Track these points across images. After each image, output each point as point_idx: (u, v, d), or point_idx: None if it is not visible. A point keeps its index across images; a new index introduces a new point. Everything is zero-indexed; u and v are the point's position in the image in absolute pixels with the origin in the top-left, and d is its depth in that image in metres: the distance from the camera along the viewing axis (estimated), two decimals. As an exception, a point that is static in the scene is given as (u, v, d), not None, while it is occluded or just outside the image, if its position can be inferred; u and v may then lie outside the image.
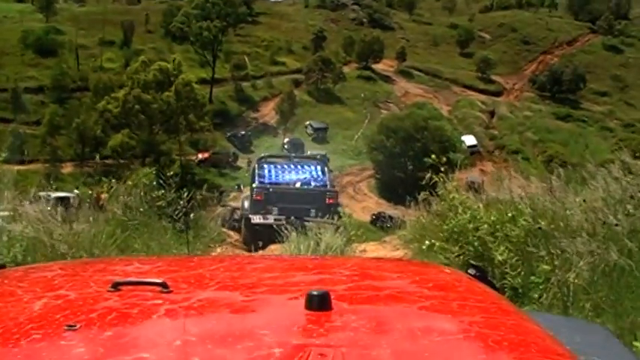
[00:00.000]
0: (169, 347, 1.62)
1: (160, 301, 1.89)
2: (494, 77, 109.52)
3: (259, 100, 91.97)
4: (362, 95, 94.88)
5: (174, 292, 1.96)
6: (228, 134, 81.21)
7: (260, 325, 1.73)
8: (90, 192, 48.19)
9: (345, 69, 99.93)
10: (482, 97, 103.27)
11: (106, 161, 69.90)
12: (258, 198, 18.76)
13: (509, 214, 7.77)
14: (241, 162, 75.90)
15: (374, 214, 66.01)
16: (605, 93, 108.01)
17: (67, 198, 41.81)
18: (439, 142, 73.31)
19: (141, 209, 12.48)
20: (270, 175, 19.97)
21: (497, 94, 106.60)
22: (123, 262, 2.93)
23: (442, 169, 9.80)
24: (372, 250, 15.99)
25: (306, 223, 14.24)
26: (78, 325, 1.71)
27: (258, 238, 15.67)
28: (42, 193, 39.99)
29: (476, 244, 7.46)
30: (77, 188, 53.31)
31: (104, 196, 45.05)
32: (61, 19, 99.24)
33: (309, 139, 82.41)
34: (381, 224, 63.97)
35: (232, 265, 2.61)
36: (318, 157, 65.02)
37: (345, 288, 2.10)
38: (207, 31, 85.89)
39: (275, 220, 16.45)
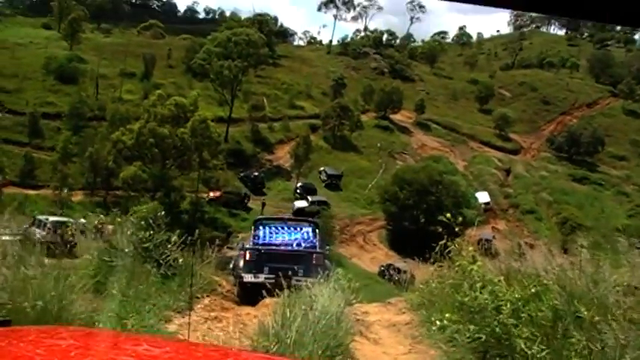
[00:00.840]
0: None
1: None
2: (512, 135, 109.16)
3: (275, 142, 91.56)
4: (378, 145, 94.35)
5: None
6: (241, 174, 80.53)
7: None
8: (96, 221, 47.59)
9: (363, 117, 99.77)
10: (499, 154, 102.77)
11: (117, 192, 69.55)
12: (250, 258, 19.26)
13: (533, 290, 6.90)
14: (252, 203, 75.33)
15: (382, 266, 65.21)
16: (623, 157, 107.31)
17: (65, 223, 41.44)
18: (453, 197, 72.76)
19: (126, 249, 11.51)
20: (265, 236, 20.69)
21: (514, 152, 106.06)
22: (132, 340, 2.83)
23: (456, 229, 9.09)
24: (375, 312, 15.03)
25: (295, 282, 14.02)
26: None
27: (250, 295, 16.38)
28: (41, 217, 39.34)
29: (497, 328, 6.49)
30: (84, 217, 53.05)
31: (109, 227, 44.31)
32: (85, 48, 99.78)
33: (322, 185, 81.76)
34: (389, 277, 63.42)
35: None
36: (317, 206, 65.15)
37: None
38: (227, 70, 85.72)
39: (265, 278, 17.02)
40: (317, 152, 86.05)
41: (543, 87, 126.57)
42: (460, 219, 8.92)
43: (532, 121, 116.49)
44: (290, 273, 16.96)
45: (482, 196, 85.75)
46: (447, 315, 7.00)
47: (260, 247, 19.89)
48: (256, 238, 20.66)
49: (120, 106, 79.14)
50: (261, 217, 27.51)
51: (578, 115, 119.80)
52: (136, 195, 65.52)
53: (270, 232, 21.02)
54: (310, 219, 27.73)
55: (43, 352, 2.23)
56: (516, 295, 6.77)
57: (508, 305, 6.52)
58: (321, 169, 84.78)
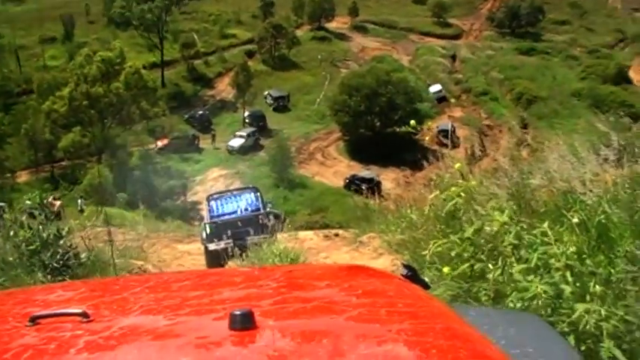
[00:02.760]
0: None
1: (79, 332, 1.84)
2: (450, 20, 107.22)
3: (213, 76, 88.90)
4: (319, 57, 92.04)
5: (95, 321, 1.92)
6: (186, 116, 78.16)
7: (183, 352, 1.72)
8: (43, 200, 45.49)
9: (298, 32, 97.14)
10: (442, 42, 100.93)
11: (62, 163, 67.14)
12: (211, 231, 22.56)
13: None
14: (203, 143, 73.41)
15: (347, 178, 64.07)
16: (565, 21, 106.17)
17: (1, 207, 39.43)
18: (404, 94, 71.22)
19: (10, 258, 8.65)
20: (217, 209, 24.26)
21: (456, 37, 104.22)
22: (44, 291, 2.73)
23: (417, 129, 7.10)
24: (345, 259, 13.12)
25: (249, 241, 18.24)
26: None
27: (216, 260, 18.54)
28: None
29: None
30: (29, 199, 50.81)
31: (58, 202, 42.16)
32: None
33: (269, 110, 79.81)
34: (356, 188, 62.19)
35: (158, 285, 2.50)
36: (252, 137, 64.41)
37: (271, 302, 2.07)
38: (149, 13, 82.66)
39: (226, 244, 20.10)
40: (258, 77, 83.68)
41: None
42: (414, 124, 6.81)
43: (469, 2, 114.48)
44: (244, 235, 20.72)
45: (434, 87, 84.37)
46: (444, 269, 4.86)
47: (216, 220, 23.29)
48: (211, 211, 24.16)
49: (45, 74, 75.44)
50: (211, 193, 30.55)
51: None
52: (82, 162, 63.28)
53: (221, 204, 24.51)
54: (250, 186, 31.54)
55: None
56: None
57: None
58: (266, 93, 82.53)
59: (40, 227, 8.16)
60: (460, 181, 5.37)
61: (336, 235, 31.16)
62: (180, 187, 65.12)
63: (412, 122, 7.22)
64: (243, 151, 70.29)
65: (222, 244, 20.59)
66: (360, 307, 2.05)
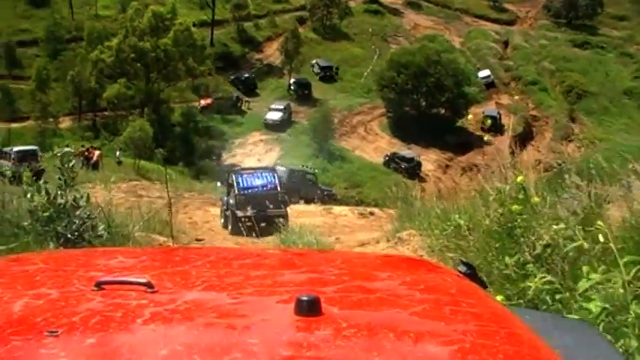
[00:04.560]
0: (155, 358, 1.63)
1: (144, 302, 1.87)
2: (506, 5, 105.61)
3: (263, 40, 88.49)
4: (370, 30, 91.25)
5: (160, 292, 1.94)
6: (232, 77, 77.93)
7: (249, 333, 1.73)
8: (82, 148, 45.58)
9: (351, 3, 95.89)
10: (495, 26, 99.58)
11: (105, 113, 67.39)
12: (240, 201, 26.43)
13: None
14: (247, 105, 73.29)
15: (387, 155, 63.77)
16: (623, 17, 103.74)
17: (33, 152, 39.68)
18: (452, 76, 70.40)
19: (25, 223, 7.76)
20: (243, 183, 28.17)
21: (511, 22, 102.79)
22: (107, 255, 2.77)
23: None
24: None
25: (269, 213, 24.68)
26: (60, 331, 1.70)
27: (241, 224, 22.09)
28: (5, 149, 37.83)
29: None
30: (67, 146, 51.01)
31: (97, 152, 42.27)
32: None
33: (316, 79, 79.28)
34: (395, 166, 61.81)
35: (219, 260, 2.51)
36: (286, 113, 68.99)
37: (335, 290, 2.05)
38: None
39: (251, 212, 23.87)
40: (307, 45, 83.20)
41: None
42: (471, 118, 6.40)
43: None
44: (265, 208, 25.65)
45: (483, 72, 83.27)
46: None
47: (244, 192, 27.29)
48: (238, 184, 27.74)
49: (96, 23, 75.47)
50: (237, 168, 36.42)
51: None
52: (124, 114, 63.41)
53: (246, 180, 28.39)
54: (269, 166, 36.73)
55: (6, 280, 2.17)
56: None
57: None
58: (313, 61, 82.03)
59: (59, 192, 7.67)
60: (521, 196, 4.99)
61: (371, 214, 30.96)
62: (219, 148, 65.08)
63: (470, 117, 6.80)
64: (280, 125, 69.34)
65: (248, 212, 24.28)
66: (424, 302, 2.02)
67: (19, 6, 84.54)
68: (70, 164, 7.74)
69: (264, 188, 27.91)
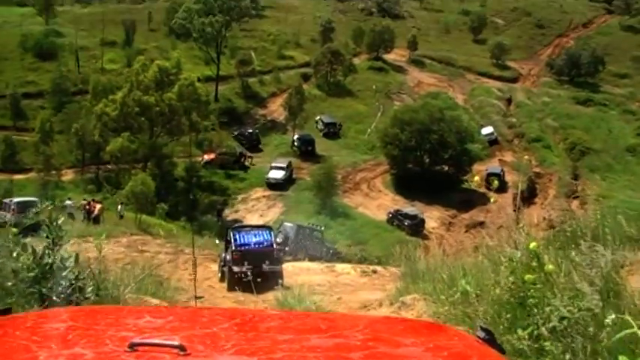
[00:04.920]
0: None
1: None
2: (509, 63, 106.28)
3: (267, 96, 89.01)
4: (373, 87, 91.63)
5: (192, 356, 1.99)
6: (235, 133, 78.03)
7: None
8: (84, 201, 45.42)
9: (355, 60, 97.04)
10: (498, 84, 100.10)
11: (108, 166, 67.41)
12: (236, 257, 27.26)
13: None
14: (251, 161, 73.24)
15: (390, 212, 63.39)
16: (625, 75, 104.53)
17: (33, 202, 39.42)
18: (456, 133, 70.39)
19: (9, 284, 6.78)
20: (240, 239, 28.75)
21: (514, 80, 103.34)
22: (134, 313, 2.83)
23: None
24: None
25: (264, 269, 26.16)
26: None
27: (237, 279, 24.61)
28: (6, 200, 37.82)
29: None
30: (69, 199, 50.83)
31: (99, 206, 42.04)
32: (61, 22, 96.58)
33: (319, 135, 79.36)
34: (398, 223, 61.49)
35: (245, 323, 2.58)
36: (287, 171, 67.97)
37: (361, 356, 2.10)
38: (209, 27, 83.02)
39: (247, 268, 24.74)
40: (311, 101, 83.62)
41: (537, 11, 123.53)
42: (477, 180, 6.23)
43: (529, 47, 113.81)
44: (261, 263, 26.47)
45: (486, 129, 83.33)
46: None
47: (240, 248, 27.92)
48: (235, 240, 28.54)
49: (101, 76, 76.00)
50: (235, 225, 37.55)
51: (575, 37, 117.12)
52: (127, 167, 63.35)
53: (242, 236, 29.02)
54: (266, 225, 37.50)
55: (39, 339, 2.21)
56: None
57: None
58: (317, 118, 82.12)
59: (47, 251, 7.25)
60: (534, 263, 4.74)
61: (374, 272, 30.60)
62: (221, 204, 64.87)
63: (476, 179, 6.61)
64: (283, 184, 68.35)
65: (243, 268, 25.33)
66: None
67: (26, 58, 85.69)
68: (59, 221, 7.37)
69: (260, 245, 28.66)
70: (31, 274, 6.92)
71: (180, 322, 2.58)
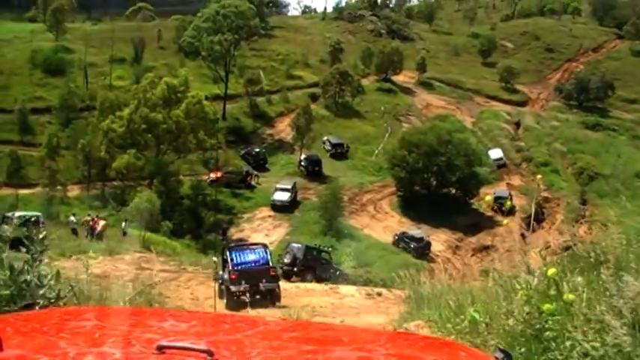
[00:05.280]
0: None
1: None
2: (518, 87, 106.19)
3: (275, 115, 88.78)
4: (382, 108, 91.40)
5: None
6: (242, 152, 77.79)
7: None
8: (88, 217, 45.13)
9: (364, 82, 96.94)
10: (507, 107, 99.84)
11: (114, 183, 67.16)
12: (233, 276, 27.55)
13: None
14: (257, 181, 72.89)
15: (396, 234, 62.93)
16: (634, 100, 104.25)
17: (36, 218, 39.39)
18: (464, 156, 69.99)
19: None
20: (237, 258, 29.15)
21: (522, 104, 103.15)
22: (157, 316, 2.88)
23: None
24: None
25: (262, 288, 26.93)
26: None
27: (235, 298, 25.96)
28: (8, 214, 37.64)
29: None
30: (74, 215, 50.55)
31: (102, 222, 41.78)
32: (71, 38, 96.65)
33: (326, 156, 79.04)
34: (404, 245, 61.02)
35: (268, 332, 2.60)
36: (292, 192, 67.05)
37: None
38: (218, 45, 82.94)
39: (244, 287, 26.16)
40: (319, 122, 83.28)
41: (546, 35, 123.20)
42: (489, 199, 5.87)
43: (538, 71, 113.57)
44: (258, 282, 27.06)
45: (495, 153, 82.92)
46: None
47: (238, 268, 28.38)
48: (232, 260, 28.86)
49: (109, 93, 75.84)
50: (231, 245, 36.81)
51: (585, 61, 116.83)
52: (133, 184, 63.03)
53: (239, 255, 29.42)
54: (262, 243, 36.19)
55: (67, 335, 2.27)
56: None
57: None
58: (325, 138, 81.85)
59: (26, 267, 6.83)
60: (553, 291, 4.34)
61: (379, 294, 30.16)
62: (226, 223, 64.44)
63: (487, 198, 6.25)
64: (288, 207, 67.78)
65: (241, 287, 26.50)
66: None
67: (35, 74, 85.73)
68: (40, 236, 6.89)
69: (257, 264, 29.06)
70: (7, 292, 6.51)
71: (204, 326, 2.59)
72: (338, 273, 43.31)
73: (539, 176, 73.08)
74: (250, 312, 18.78)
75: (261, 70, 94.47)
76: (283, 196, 67.78)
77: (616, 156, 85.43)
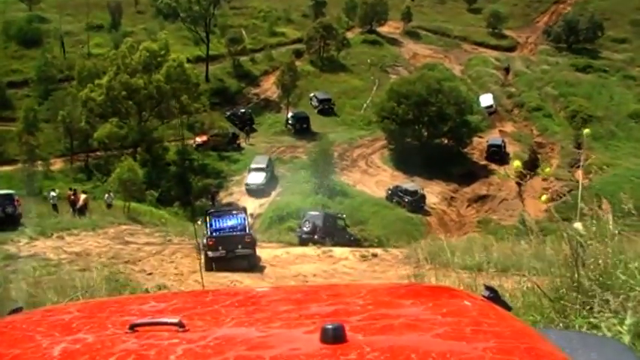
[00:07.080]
0: None
1: (176, 341, 1.97)
2: (506, 32, 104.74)
3: (259, 74, 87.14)
4: (368, 61, 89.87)
5: (191, 331, 2.03)
6: (228, 113, 76.18)
7: None
8: (69, 191, 43.45)
9: (349, 34, 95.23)
10: (496, 53, 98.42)
11: (98, 154, 65.57)
12: (210, 242, 28.98)
13: None
14: (245, 141, 71.41)
15: (389, 189, 61.56)
16: (624, 40, 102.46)
17: (10, 196, 38.20)
18: (454, 105, 68.40)
19: None
20: (215, 224, 30.41)
21: (511, 49, 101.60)
22: (139, 300, 2.92)
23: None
24: None
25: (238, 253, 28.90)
26: None
27: (213, 263, 27.90)
28: None
29: None
30: (54, 190, 48.93)
31: (83, 196, 40.09)
32: (45, 7, 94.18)
33: (314, 112, 77.49)
34: (398, 199, 59.69)
35: (247, 299, 2.63)
36: (268, 170, 62.37)
37: (360, 319, 2.15)
38: (197, 5, 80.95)
39: (220, 253, 28.32)
40: (305, 78, 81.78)
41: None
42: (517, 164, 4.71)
43: (525, 15, 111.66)
44: (234, 248, 28.73)
45: (485, 99, 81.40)
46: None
47: (215, 234, 29.76)
48: (211, 225, 30.19)
49: (86, 61, 73.72)
50: (211, 210, 36.01)
51: (572, 2, 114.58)
52: (116, 154, 61.42)
53: (218, 221, 30.61)
54: (243, 207, 37.28)
55: (44, 329, 2.27)
56: None
57: None
58: (312, 94, 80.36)
59: None
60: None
61: (374, 255, 28.92)
62: (215, 187, 62.91)
63: (516, 163, 5.10)
64: (262, 189, 61.50)
65: (218, 253, 28.51)
66: (445, 325, 2.07)
67: (10, 46, 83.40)
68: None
69: (234, 229, 30.38)
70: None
71: (184, 304, 2.54)
72: (352, 238, 44.09)
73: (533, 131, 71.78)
74: (238, 284, 17.74)
75: (242, 28, 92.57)
76: (258, 178, 61.85)
77: (608, 97, 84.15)
